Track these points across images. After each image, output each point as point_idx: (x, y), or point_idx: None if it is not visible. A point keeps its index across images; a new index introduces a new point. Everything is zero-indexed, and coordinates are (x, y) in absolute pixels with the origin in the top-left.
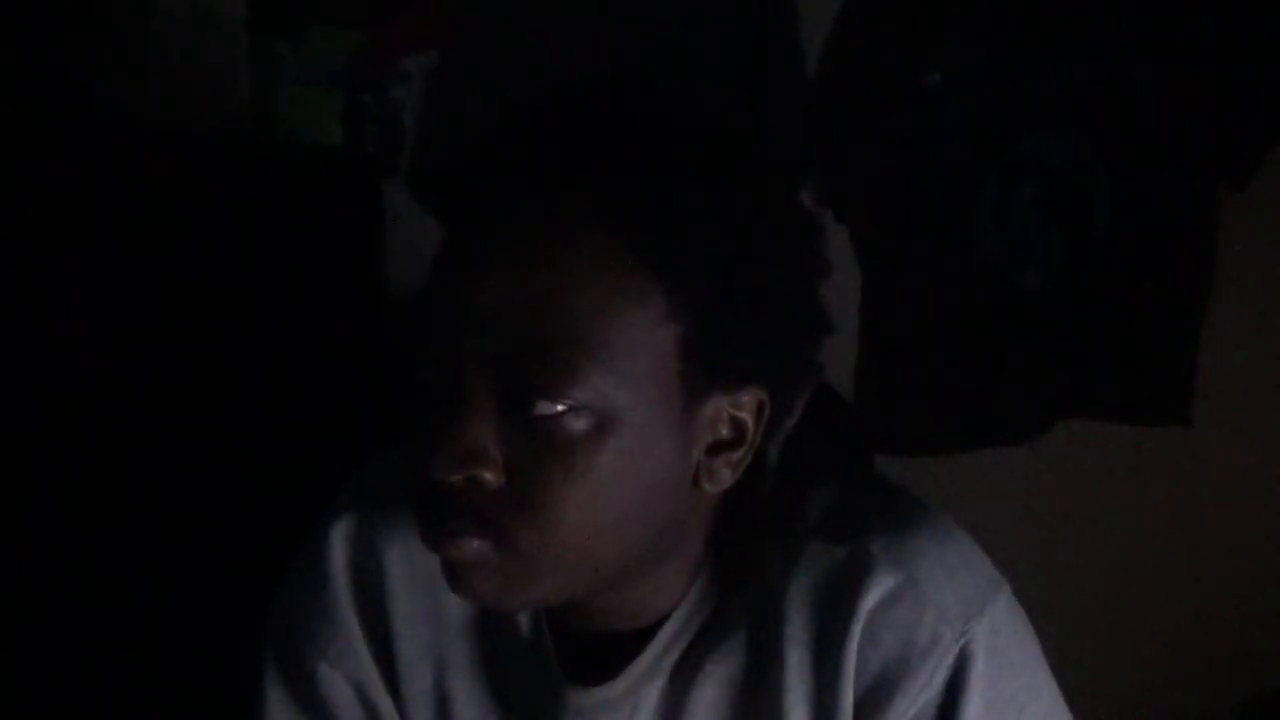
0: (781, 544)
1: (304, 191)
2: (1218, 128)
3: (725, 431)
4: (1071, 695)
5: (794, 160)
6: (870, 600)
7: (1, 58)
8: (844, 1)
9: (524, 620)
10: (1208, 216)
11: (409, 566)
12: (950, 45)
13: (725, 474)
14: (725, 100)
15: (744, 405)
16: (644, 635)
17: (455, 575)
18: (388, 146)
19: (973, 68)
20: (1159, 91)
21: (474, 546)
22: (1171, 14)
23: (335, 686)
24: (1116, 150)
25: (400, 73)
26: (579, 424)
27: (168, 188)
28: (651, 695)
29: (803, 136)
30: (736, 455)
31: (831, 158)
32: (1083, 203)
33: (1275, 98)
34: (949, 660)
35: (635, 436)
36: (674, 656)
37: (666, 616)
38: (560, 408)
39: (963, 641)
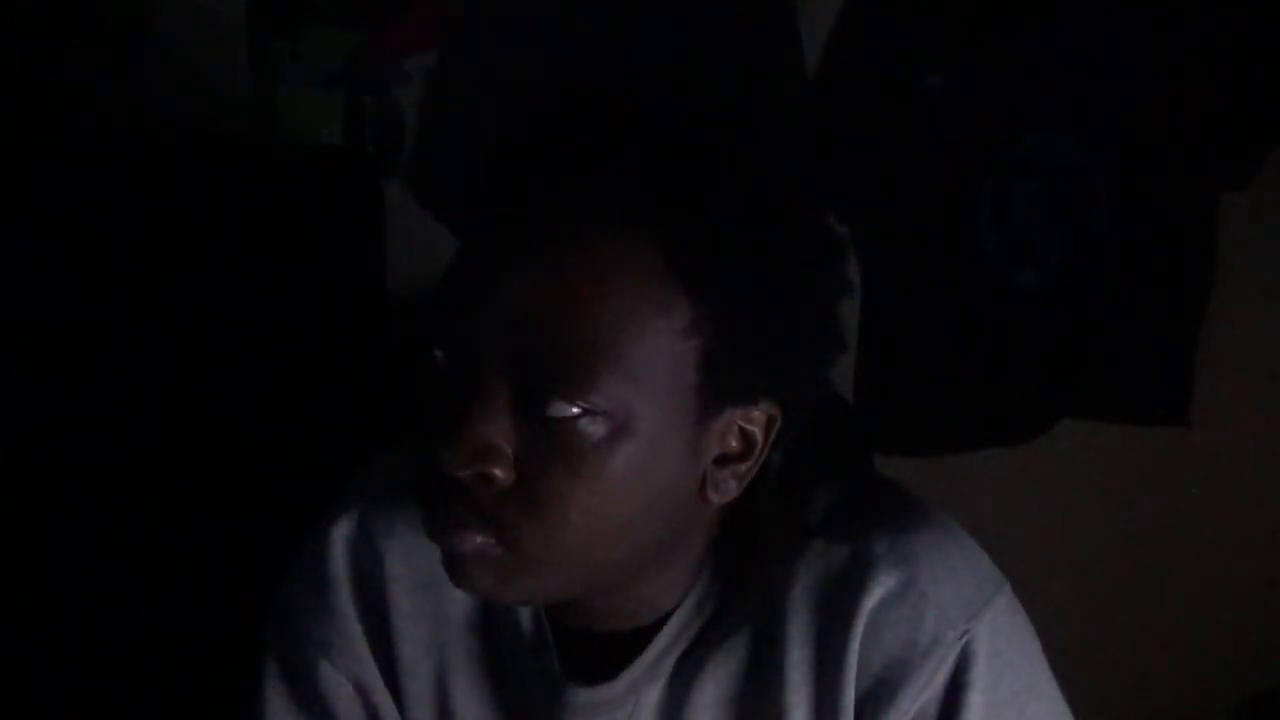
0: (783, 544)
1: (304, 191)
2: (1218, 128)
3: (734, 444)
4: (1071, 695)
5: (811, 172)
6: (872, 600)
7: (2, 59)
8: (844, 1)
9: (525, 619)
10: (1208, 216)
11: (410, 565)
12: (950, 45)
13: (731, 485)
14: (725, 101)
15: (755, 419)
16: (646, 634)
17: (455, 566)
18: (388, 146)
19: (973, 68)
20: (1159, 91)
21: (477, 541)
22: (1172, 14)
23: (336, 685)
24: (1116, 150)
25: (400, 73)
26: (593, 428)
27: (167, 188)
28: (653, 694)
29: (803, 137)
30: (744, 467)
31: (831, 158)
32: (1083, 203)
33: (1275, 98)
34: (950, 660)
35: (646, 444)
36: (675, 655)
37: (668, 616)
38: (575, 411)
39: (964, 641)
